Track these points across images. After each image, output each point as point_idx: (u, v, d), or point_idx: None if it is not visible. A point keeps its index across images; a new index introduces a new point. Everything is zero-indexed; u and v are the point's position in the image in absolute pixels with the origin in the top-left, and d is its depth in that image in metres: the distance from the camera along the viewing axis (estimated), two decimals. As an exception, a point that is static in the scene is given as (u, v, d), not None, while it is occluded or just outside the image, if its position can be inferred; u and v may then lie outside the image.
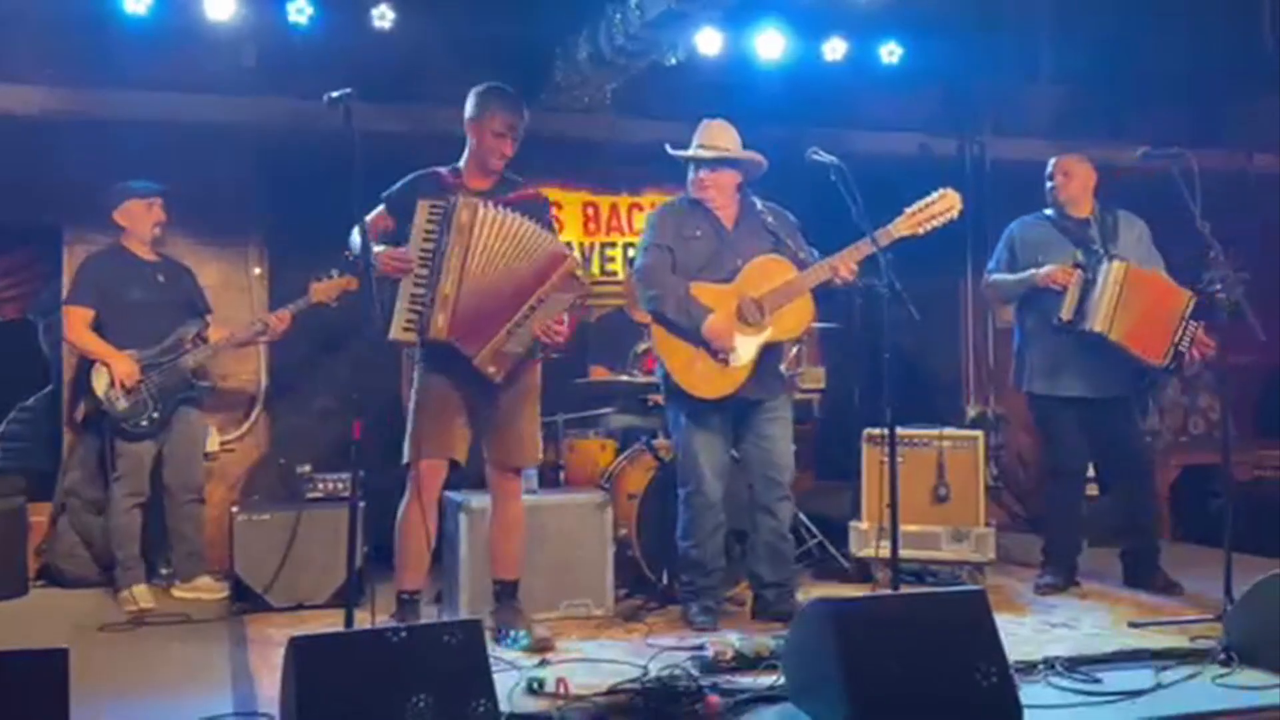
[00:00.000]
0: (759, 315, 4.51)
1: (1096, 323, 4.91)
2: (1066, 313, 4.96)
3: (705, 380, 4.52)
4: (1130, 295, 4.91)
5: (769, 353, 4.59)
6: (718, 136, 4.67)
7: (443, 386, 4.21)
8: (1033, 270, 5.10)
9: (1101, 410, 5.09)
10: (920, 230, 4.43)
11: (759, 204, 4.71)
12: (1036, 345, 5.22)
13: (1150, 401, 5.28)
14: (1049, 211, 5.28)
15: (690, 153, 4.68)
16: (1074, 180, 5.18)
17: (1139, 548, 5.20)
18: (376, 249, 3.97)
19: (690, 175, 4.71)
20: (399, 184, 4.21)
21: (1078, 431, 5.17)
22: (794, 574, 4.84)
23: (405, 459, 4.22)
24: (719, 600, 4.71)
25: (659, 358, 4.66)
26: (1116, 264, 4.94)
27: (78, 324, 5.22)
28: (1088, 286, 4.94)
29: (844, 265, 4.44)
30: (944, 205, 4.44)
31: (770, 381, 4.65)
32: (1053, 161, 5.27)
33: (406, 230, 4.07)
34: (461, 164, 4.31)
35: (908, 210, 4.44)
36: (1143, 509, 5.21)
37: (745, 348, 4.50)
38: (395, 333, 4.07)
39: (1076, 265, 4.99)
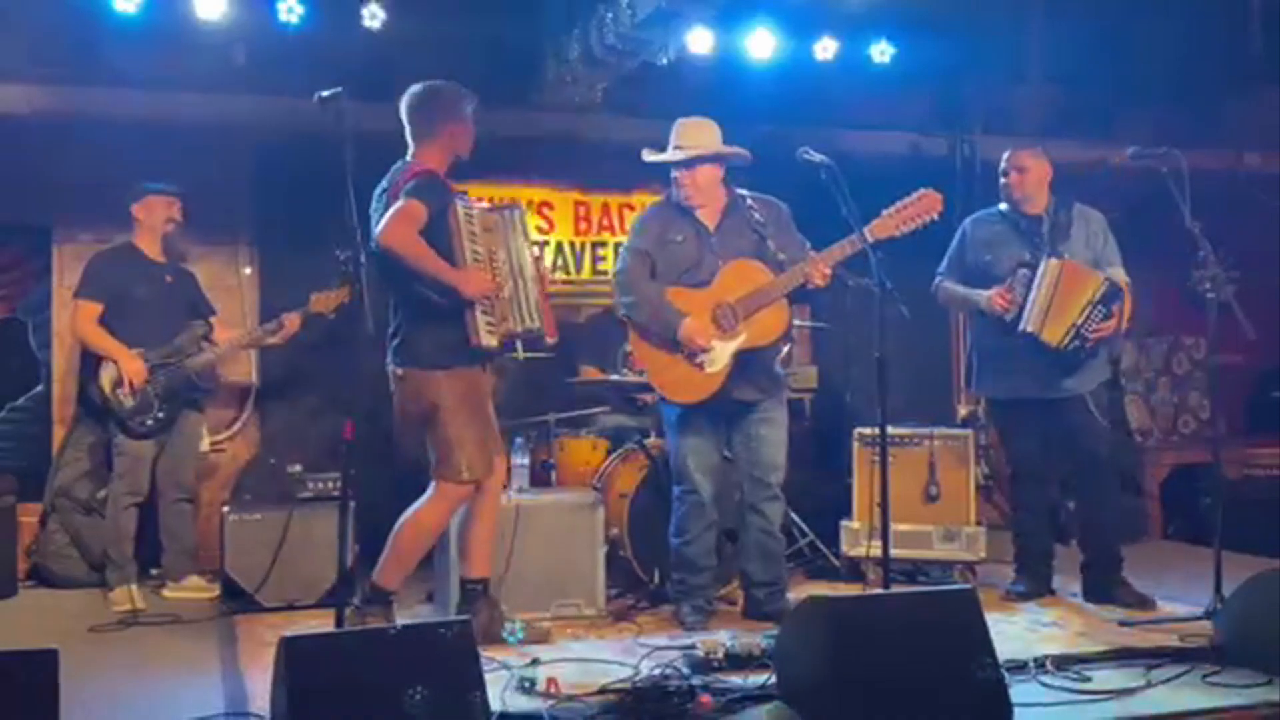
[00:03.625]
0: (733, 320, 4.50)
1: (1029, 323, 4.77)
2: (1011, 310, 4.82)
3: (680, 385, 4.53)
4: (1062, 291, 4.75)
5: (756, 355, 4.56)
6: (692, 134, 4.61)
7: (483, 392, 4.26)
8: (978, 293, 4.95)
9: (1056, 410, 4.91)
10: (899, 231, 4.35)
11: (748, 198, 4.67)
12: (987, 347, 5.05)
13: (1114, 396, 5.03)
14: (1003, 207, 5.09)
15: (665, 156, 4.62)
16: (1029, 175, 4.96)
17: (1097, 559, 4.95)
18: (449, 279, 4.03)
19: (672, 175, 4.66)
20: (426, 183, 4.06)
21: (1037, 434, 5.01)
22: (785, 573, 4.84)
23: (469, 475, 4.14)
24: (710, 599, 4.72)
25: (638, 362, 4.67)
26: (1052, 261, 4.79)
27: (86, 319, 5.20)
28: (1028, 286, 4.81)
29: (817, 271, 4.39)
30: (924, 206, 4.38)
31: (763, 382, 4.64)
32: (1007, 155, 5.05)
33: (438, 228, 4.05)
34: (428, 162, 4.20)
35: (886, 211, 4.38)
36: (1101, 513, 4.99)
37: (720, 353, 4.48)
38: (484, 340, 4.08)
39: (1021, 265, 4.86)
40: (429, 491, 4.22)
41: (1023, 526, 5.15)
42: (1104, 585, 4.88)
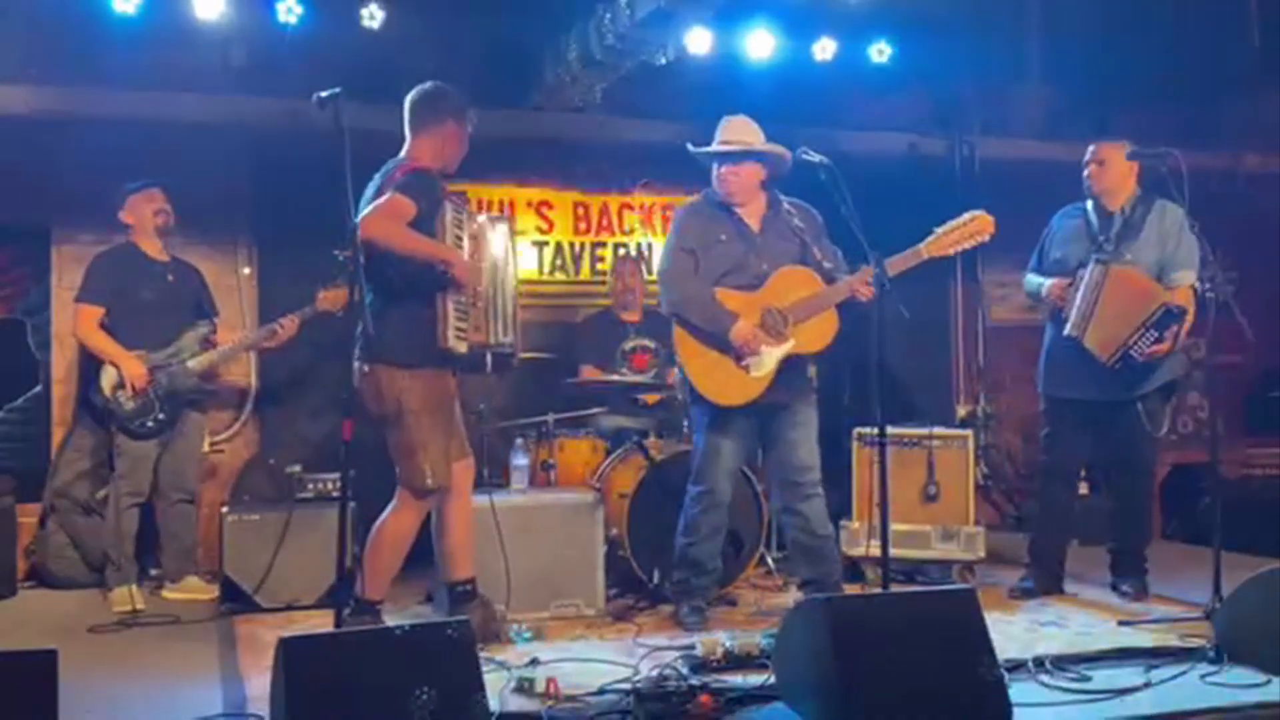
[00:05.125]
0: (783, 326, 4.47)
1: (1071, 326, 4.80)
2: (1066, 310, 4.86)
3: (724, 387, 4.48)
4: (1108, 297, 4.74)
5: (793, 360, 4.51)
6: (739, 131, 4.58)
7: (450, 397, 4.21)
8: (1042, 281, 5.01)
9: (1108, 413, 4.91)
10: (952, 250, 4.36)
11: (785, 202, 4.64)
12: (1052, 346, 5.07)
13: (1166, 409, 4.98)
14: (1088, 203, 5.02)
15: (712, 148, 4.58)
16: (1109, 169, 4.89)
17: (1127, 549, 5.07)
18: (443, 255, 4.01)
19: (715, 171, 4.60)
20: (418, 180, 4.05)
21: (1079, 435, 5.02)
22: (833, 570, 4.64)
23: (434, 482, 4.09)
24: (709, 600, 4.71)
25: (679, 361, 4.59)
26: (1096, 267, 4.78)
27: (88, 322, 5.19)
28: (1076, 288, 4.82)
29: (867, 287, 4.35)
30: (976, 227, 4.35)
31: (797, 386, 4.59)
32: (1091, 148, 4.97)
33: (426, 228, 4.03)
34: (421, 158, 4.20)
35: (938, 230, 4.36)
36: (1136, 516, 5.07)
37: (768, 357, 4.45)
38: (452, 343, 4.03)
39: (1081, 264, 4.85)
40: (395, 501, 4.18)
41: (1044, 525, 5.16)
42: (1127, 570, 5.04)
